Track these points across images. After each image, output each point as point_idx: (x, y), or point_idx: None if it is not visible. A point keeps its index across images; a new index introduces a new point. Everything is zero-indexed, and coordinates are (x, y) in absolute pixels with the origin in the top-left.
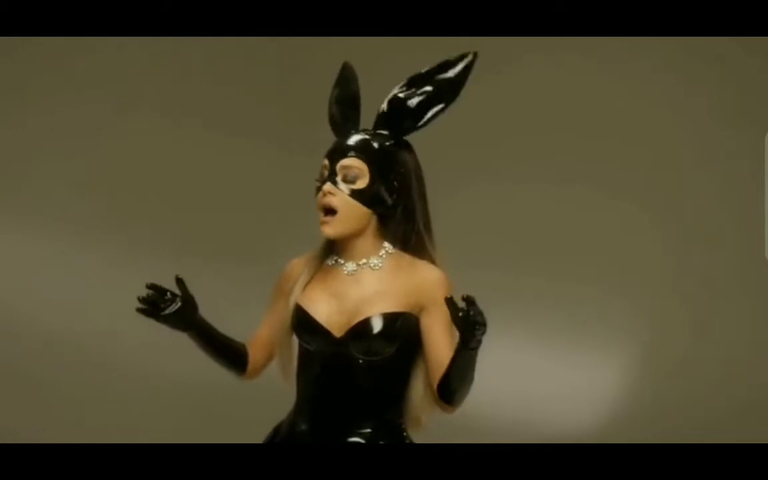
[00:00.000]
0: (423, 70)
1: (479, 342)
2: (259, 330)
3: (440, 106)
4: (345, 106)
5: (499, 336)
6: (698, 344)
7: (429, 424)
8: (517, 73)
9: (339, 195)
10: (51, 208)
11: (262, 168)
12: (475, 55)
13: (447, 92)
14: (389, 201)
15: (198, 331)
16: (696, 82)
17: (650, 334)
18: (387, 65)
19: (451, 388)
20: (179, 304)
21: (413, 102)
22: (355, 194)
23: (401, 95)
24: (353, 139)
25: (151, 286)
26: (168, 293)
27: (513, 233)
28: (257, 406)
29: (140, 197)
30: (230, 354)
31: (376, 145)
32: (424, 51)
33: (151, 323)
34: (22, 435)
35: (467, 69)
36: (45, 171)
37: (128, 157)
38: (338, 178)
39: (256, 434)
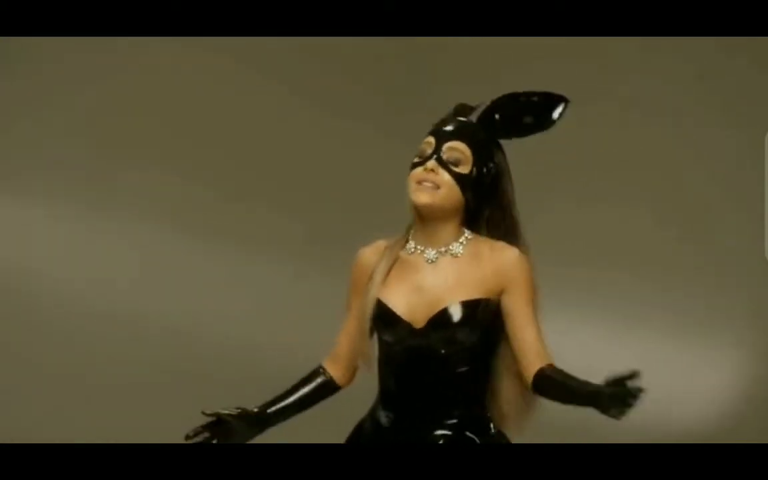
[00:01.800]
0: (535, 91)
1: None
2: (344, 333)
3: (533, 133)
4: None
5: (619, 335)
6: None
7: (521, 423)
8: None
9: (442, 174)
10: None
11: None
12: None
13: (541, 127)
14: (481, 193)
15: (272, 421)
16: (695, 82)
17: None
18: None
19: (546, 395)
20: (229, 428)
21: (522, 113)
22: (457, 177)
23: (512, 102)
24: (461, 125)
25: (194, 434)
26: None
27: (628, 238)
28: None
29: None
30: (315, 398)
31: (481, 136)
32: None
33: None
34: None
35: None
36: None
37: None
38: (444, 158)
39: (338, 432)
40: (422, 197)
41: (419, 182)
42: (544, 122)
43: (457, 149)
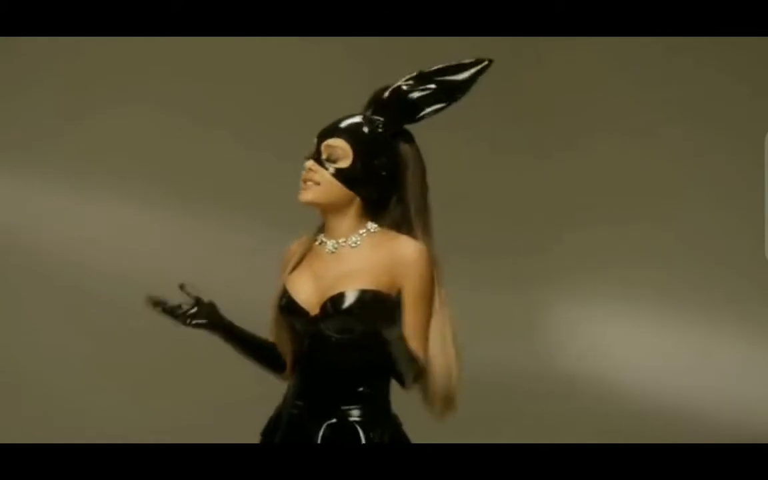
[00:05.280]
0: (433, 68)
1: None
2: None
3: (440, 105)
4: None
5: (695, 333)
6: None
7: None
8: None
9: (320, 172)
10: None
11: None
12: (490, 62)
13: (451, 93)
14: (373, 186)
15: (226, 330)
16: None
17: None
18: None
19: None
20: (194, 307)
21: (414, 96)
22: (337, 174)
23: (404, 87)
24: (343, 122)
25: (156, 302)
26: (179, 305)
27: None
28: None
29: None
30: (266, 354)
31: (365, 129)
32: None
33: None
34: None
35: (478, 74)
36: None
37: None
38: (323, 157)
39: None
40: (303, 196)
41: (304, 181)
42: (461, 90)
43: (334, 146)
